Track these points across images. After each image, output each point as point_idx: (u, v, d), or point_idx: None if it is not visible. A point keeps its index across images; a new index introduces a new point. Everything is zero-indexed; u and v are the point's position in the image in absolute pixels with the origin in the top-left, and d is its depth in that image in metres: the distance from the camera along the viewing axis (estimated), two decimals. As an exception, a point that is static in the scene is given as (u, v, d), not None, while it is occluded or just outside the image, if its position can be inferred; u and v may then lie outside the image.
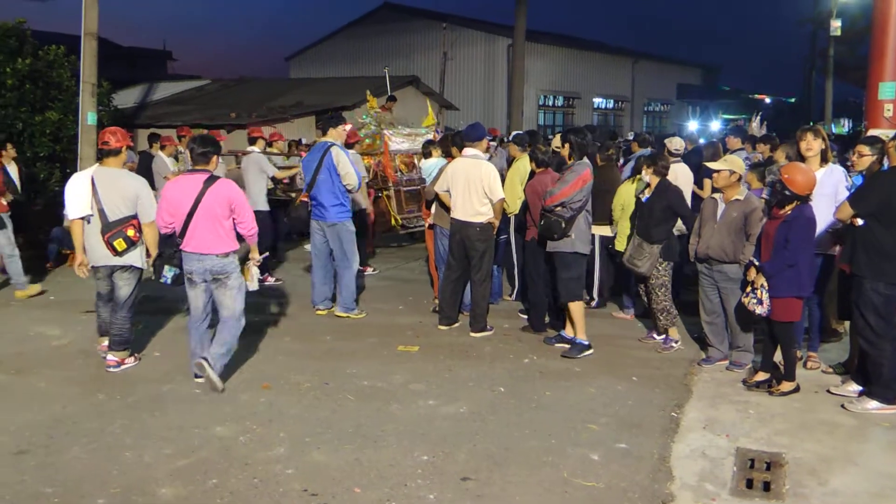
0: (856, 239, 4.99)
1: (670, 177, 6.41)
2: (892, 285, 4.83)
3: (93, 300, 5.99)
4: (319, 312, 7.39)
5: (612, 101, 32.89)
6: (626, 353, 6.26)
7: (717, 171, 5.78)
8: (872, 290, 4.86)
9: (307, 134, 14.99)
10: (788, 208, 5.14)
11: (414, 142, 10.71)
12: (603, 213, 7.30)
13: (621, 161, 8.86)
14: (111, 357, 5.63)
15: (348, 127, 8.23)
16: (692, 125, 26.36)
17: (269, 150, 9.64)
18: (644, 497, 3.84)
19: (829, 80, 26.39)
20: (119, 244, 5.40)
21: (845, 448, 4.43)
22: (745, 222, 5.63)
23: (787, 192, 5.12)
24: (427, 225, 7.67)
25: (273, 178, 8.95)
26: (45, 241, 9.59)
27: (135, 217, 5.48)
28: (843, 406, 5.01)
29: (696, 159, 8.32)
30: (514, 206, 7.23)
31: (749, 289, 5.27)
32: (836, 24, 20.92)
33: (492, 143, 7.42)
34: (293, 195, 9.23)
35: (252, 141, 9.13)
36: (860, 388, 5.13)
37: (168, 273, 5.33)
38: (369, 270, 9.40)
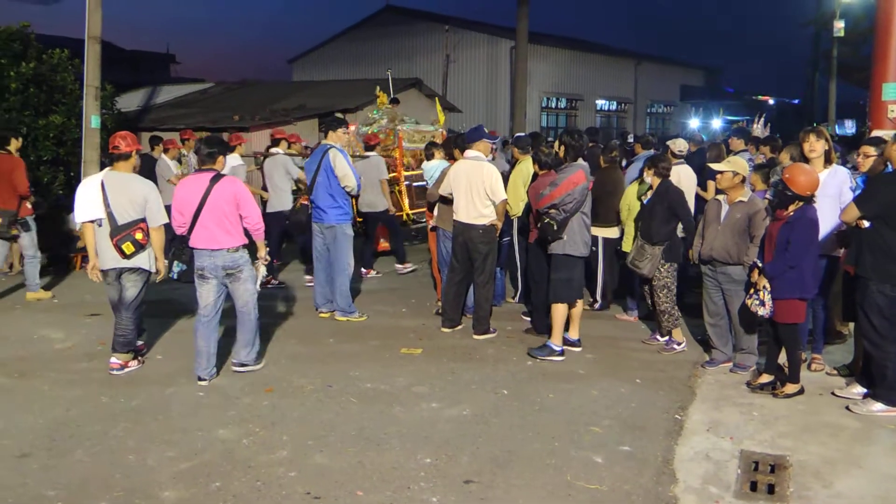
0: (862, 241, 4.97)
1: (673, 178, 6.41)
2: (898, 287, 4.81)
3: (96, 303, 6.01)
4: (322, 315, 7.38)
5: (615, 102, 32.88)
6: (630, 356, 6.24)
7: (721, 173, 5.77)
8: (879, 292, 4.84)
9: (310, 137, 15.01)
10: (791, 209, 5.13)
11: (424, 139, 10.82)
12: (606, 215, 7.29)
13: (624, 163, 8.84)
14: (114, 360, 5.63)
15: (351, 129, 8.25)
16: (693, 123, 26.32)
17: (288, 151, 9.66)
18: (647, 500, 3.83)
19: (832, 82, 26.32)
20: (127, 247, 5.48)
21: (850, 450, 4.41)
22: (748, 224, 5.62)
23: (788, 192, 5.11)
24: (430, 227, 7.67)
25: (297, 180, 8.98)
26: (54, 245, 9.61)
27: (143, 220, 5.55)
28: (847, 408, 4.99)
29: (700, 161, 8.31)
30: (517, 209, 7.22)
31: (752, 290, 5.26)
32: (839, 25, 20.87)
33: (494, 143, 7.39)
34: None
35: (275, 143, 9.15)
36: (865, 390, 5.11)
37: (175, 268, 5.61)
38: (372, 273, 9.41)
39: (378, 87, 13.02)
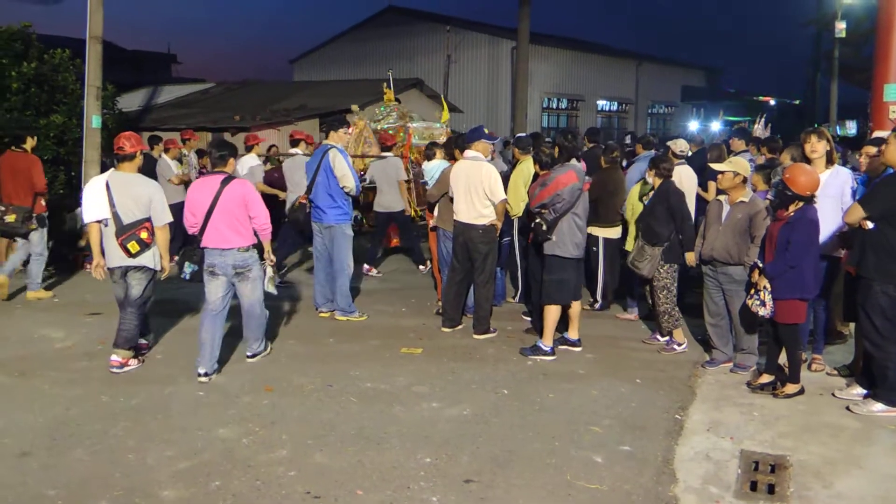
0: (864, 242, 4.97)
1: (675, 179, 6.41)
2: (900, 288, 4.80)
3: (97, 302, 6.02)
4: (322, 314, 7.38)
5: (616, 103, 32.86)
6: (630, 355, 6.24)
7: (722, 173, 5.77)
8: (882, 293, 4.84)
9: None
10: (792, 209, 5.13)
11: (433, 137, 10.85)
12: (607, 215, 7.29)
13: (625, 163, 8.84)
14: (115, 357, 5.65)
15: (351, 130, 8.25)
16: (693, 125, 26.31)
17: (306, 151, 9.65)
18: (648, 499, 3.82)
19: (833, 82, 26.29)
20: (132, 246, 5.56)
21: (850, 451, 4.41)
22: (749, 224, 5.62)
23: (788, 192, 5.11)
24: (430, 227, 7.67)
25: None
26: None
27: (148, 220, 5.63)
28: (848, 408, 4.99)
29: (700, 161, 8.30)
30: (518, 209, 7.22)
31: (752, 291, 5.26)
32: (840, 26, 20.85)
33: (493, 144, 7.38)
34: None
35: (295, 143, 9.17)
36: (865, 390, 5.11)
37: (187, 269, 5.83)
38: (374, 272, 9.41)
39: (385, 84, 13.07)
